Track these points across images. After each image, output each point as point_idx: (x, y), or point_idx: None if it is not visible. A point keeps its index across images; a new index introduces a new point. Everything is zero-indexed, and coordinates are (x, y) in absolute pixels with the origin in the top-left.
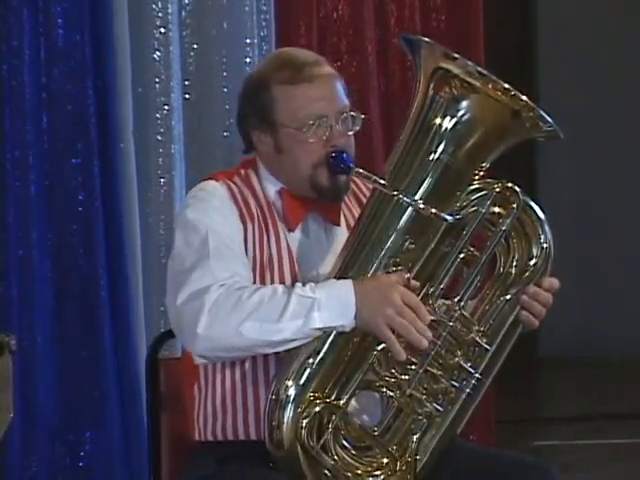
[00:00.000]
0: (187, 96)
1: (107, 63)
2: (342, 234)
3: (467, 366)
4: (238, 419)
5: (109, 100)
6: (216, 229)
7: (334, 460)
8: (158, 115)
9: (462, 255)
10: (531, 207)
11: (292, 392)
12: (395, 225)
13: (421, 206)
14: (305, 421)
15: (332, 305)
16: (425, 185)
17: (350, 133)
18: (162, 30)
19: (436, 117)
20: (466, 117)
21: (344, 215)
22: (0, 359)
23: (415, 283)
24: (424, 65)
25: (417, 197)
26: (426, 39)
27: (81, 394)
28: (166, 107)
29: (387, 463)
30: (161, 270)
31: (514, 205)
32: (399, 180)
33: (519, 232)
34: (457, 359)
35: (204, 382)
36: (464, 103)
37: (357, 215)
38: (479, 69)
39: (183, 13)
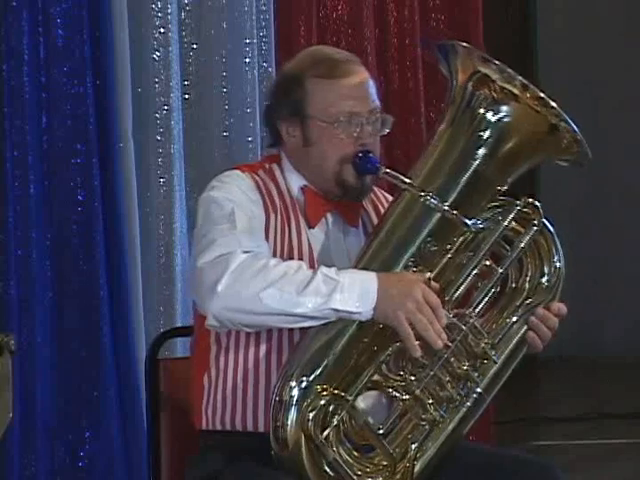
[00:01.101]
0: (186, 96)
1: (106, 63)
2: (358, 237)
3: (474, 375)
4: (248, 409)
5: (108, 100)
6: (242, 205)
7: (335, 453)
8: (157, 115)
9: (477, 270)
10: (545, 225)
11: (295, 393)
12: (420, 226)
13: (445, 208)
14: (312, 414)
15: (354, 290)
16: (455, 190)
17: (379, 135)
18: (162, 30)
19: (480, 107)
20: (505, 120)
21: (362, 219)
22: (0, 359)
23: (435, 285)
24: (461, 67)
25: (445, 201)
26: (463, 43)
27: (81, 394)
28: (165, 107)
29: (385, 466)
30: (161, 270)
31: (535, 221)
32: (428, 182)
33: (533, 249)
34: (465, 368)
35: (215, 371)
36: (503, 107)
37: (374, 221)
38: (519, 77)
39: (183, 13)
